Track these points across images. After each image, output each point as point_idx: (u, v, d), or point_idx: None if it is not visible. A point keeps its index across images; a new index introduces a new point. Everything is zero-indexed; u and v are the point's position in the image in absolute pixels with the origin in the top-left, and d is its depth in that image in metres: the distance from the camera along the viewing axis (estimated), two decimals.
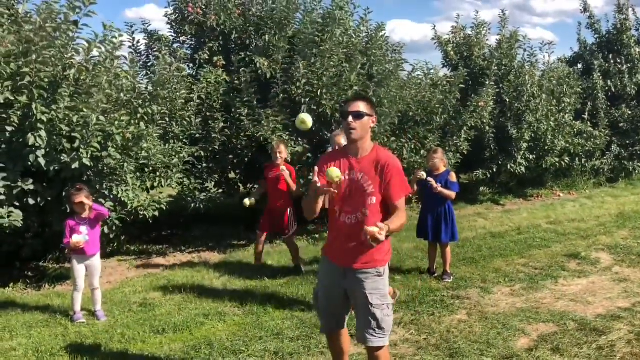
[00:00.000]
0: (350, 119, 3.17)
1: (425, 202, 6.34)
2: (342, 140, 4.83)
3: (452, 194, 6.10)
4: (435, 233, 6.17)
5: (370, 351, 3.21)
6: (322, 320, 3.52)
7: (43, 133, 5.44)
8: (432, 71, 9.78)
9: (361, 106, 3.21)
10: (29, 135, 5.39)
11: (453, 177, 6.18)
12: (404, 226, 3.18)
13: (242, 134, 7.82)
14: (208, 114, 7.99)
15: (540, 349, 4.26)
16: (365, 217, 3.16)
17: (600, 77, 13.00)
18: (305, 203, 3.30)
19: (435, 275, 6.21)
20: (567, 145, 11.55)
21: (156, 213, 6.66)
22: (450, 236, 6.18)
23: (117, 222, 6.30)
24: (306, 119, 3.36)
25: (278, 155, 6.21)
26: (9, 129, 5.40)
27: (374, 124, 3.29)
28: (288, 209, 6.31)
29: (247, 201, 6.27)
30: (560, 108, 11.51)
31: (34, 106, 5.37)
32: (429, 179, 5.96)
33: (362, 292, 3.17)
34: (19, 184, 5.48)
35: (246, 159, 8.34)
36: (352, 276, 3.22)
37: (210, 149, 7.94)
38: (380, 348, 3.18)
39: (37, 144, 5.42)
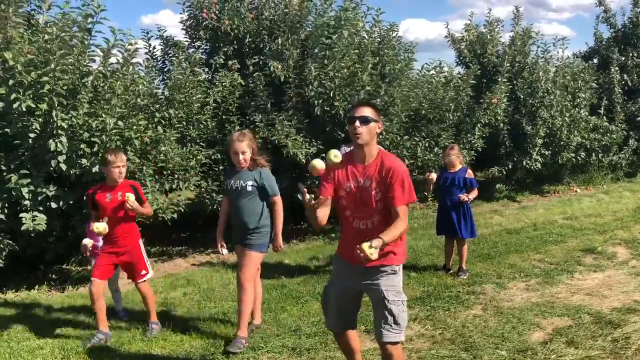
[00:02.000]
0: (357, 123, 3.18)
1: (443, 200, 6.30)
2: (244, 146, 4.37)
3: (476, 193, 6.21)
4: (455, 230, 6.16)
5: (384, 347, 3.24)
6: (329, 318, 3.53)
7: (64, 139, 5.61)
8: (445, 69, 9.83)
9: (367, 111, 3.22)
10: (50, 141, 5.56)
11: (470, 173, 6.23)
12: (404, 229, 3.15)
13: (256, 136, 7.93)
14: (224, 117, 8.12)
15: (554, 342, 4.30)
16: (379, 221, 3.19)
17: (617, 71, 12.91)
18: (309, 218, 3.31)
19: (451, 271, 6.26)
20: (583, 141, 11.50)
21: (175, 215, 6.80)
22: (470, 232, 6.22)
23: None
24: (317, 165, 3.20)
25: (121, 169, 4.63)
26: (31, 135, 5.58)
27: (379, 130, 3.31)
28: (140, 242, 4.86)
29: (99, 226, 4.46)
30: (575, 103, 11.47)
31: (54, 113, 5.55)
32: (461, 195, 6.04)
33: (378, 289, 3.21)
34: (43, 189, 5.65)
35: None
36: (368, 275, 3.25)
37: (226, 151, 8.06)
38: (395, 344, 3.21)
39: (58, 150, 5.59)
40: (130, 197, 4.52)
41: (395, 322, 3.19)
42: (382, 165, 3.21)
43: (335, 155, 3.20)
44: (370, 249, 2.89)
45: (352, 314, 3.50)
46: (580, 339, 4.33)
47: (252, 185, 4.43)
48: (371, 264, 3.17)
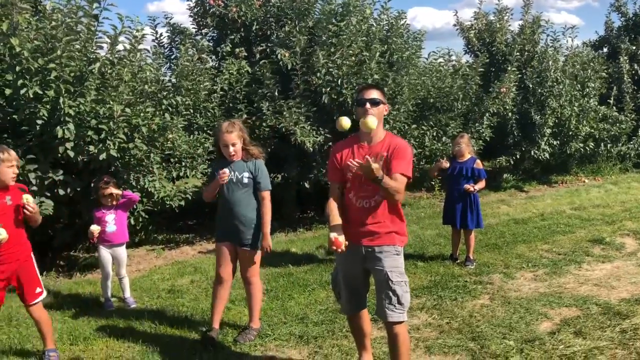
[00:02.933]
0: (368, 105, 3.28)
1: (451, 190, 6.32)
2: (234, 138, 4.15)
3: (484, 184, 6.17)
4: (462, 220, 6.17)
5: (390, 326, 3.31)
6: (342, 303, 3.62)
7: (71, 126, 5.60)
8: (453, 57, 9.77)
9: (376, 93, 3.33)
10: (58, 128, 5.55)
11: (479, 164, 6.18)
12: (399, 196, 3.21)
13: (264, 124, 7.91)
14: (231, 105, 8.10)
15: (562, 332, 4.28)
16: (382, 200, 3.28)
17: (627, 61, 12.79)
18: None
19: (458, 261, 6.24)
20: (592, 131, 11.44)
21: (182, 203, 6.80)
22: (476, 223, 6.19)
23: (143, 213, 6.44)
24: (344, 123, 3.35)
25: (15, 169, 3.80)
26: (39, 122, 5.57)
27: (386, 112, 3.42)
28: (32, 254, 3.99)
29: (1, 232, 3.60)
30: (584, 93, 11.39)
31: (61, 100, 5.53)
32: (466, 185, 6.01)
33: (382, 270, 3.28)
34: (50, 174, 5.66)
35: (269, 149, 8.42)
36: (371, 255, 3.32)
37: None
38: (399, 323, 3.29)
39: (65, 136, 5.58)
40: (30, 199, 3.79)
41: (399, 302, 3.27)
42: (390, 143, 3.32)
43: (347, 122, 3.33)
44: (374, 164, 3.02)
45: (363, 294, 3.58)
46: (588, 330, 4.31)
47: (248, 177, 4.23)
48: (371, 243, 3.28)
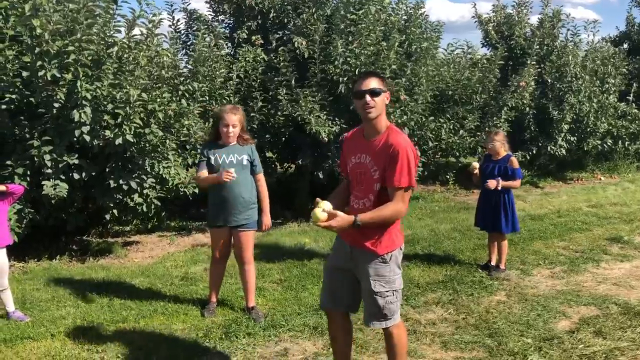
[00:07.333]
0: (368, 97, 2.94)
1: (484, 190, 5.73)
2: (235, 120, 4.36)
3: (516, 183, 5.61)
4: (494, 223, 5.67)
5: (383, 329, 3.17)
6: (321, 294, 3.37)
7: (88, 110, 5.56)
8: (470, 50, 9.66)
9: (375, 82, 2.97)
10: (74, 111, 5.51)
11: (515, 162, 5.62)
12: (401, 214, 2.98)
13: (279, 113, 7.85)
14: (246, 92, 8.04)
15: (582, 332, 4.21)
16: (371, 203, 3.02)
17: None
18: None
19: (483, 265, 5.84)
20: (610, 128, 11.27)
21: (196, 190, 6.75)
22: (511, 227, 5.70)
23: (155, 201, 6.39)
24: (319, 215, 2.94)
25: None
26: (56, 105, 5.54)
27: (387, 100, 3.07)
28: None
29: None
30: (603, 89, 11.21)
31: (78, 84, 5.49)
32: (487, 183, 5.51)
33: (367, 278, 3.06)
34: (65, 158, 5.63)
35: (283, 138, 8.37)
36: (357, 257, 3.09)
37: (248, 127, 7.96)
38: (387, 326, 3.12)
39: (82, 120, 5.54)
40: None
41: (382, 314, 3.08)
42: (387, 143, 2.97)
43: (321, 212, 2.90)
44: (322, 213, 2.83)
45: (341, 294, 3.23)
46: (608, 330, 4.24)
47: (247, 160, 4.49)
48: (357, 246, 3.06)
